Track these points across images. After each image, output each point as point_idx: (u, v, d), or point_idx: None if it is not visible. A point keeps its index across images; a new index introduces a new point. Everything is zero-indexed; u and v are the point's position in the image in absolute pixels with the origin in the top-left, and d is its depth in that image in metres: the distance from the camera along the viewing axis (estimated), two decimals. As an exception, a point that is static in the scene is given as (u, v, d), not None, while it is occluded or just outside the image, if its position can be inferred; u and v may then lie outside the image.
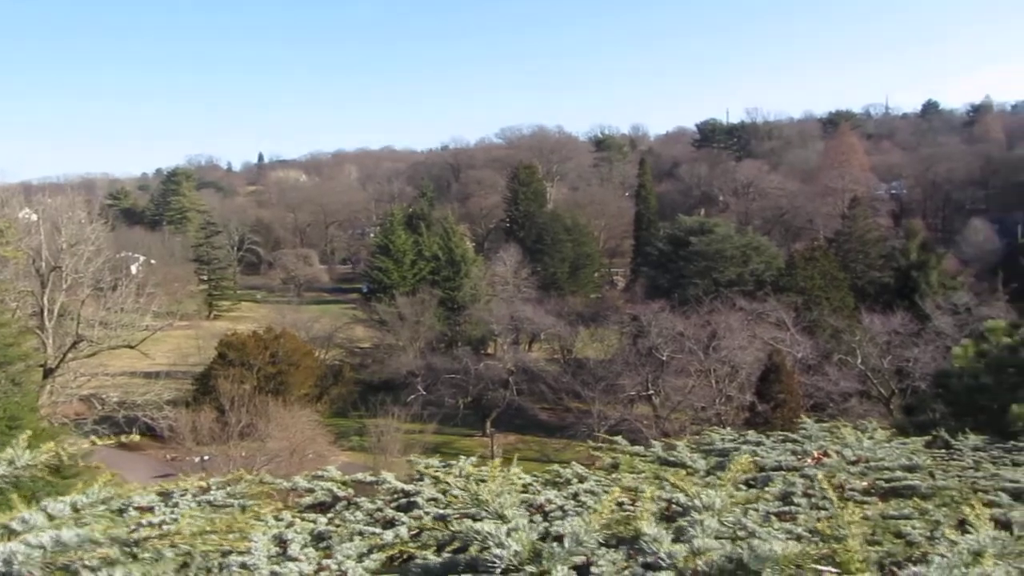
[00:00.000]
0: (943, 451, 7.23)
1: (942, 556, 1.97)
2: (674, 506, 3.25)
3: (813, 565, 2.17)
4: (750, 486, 4.73)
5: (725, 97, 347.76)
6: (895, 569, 2.45)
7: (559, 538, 2.17)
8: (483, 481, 3.67)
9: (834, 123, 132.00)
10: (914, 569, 1.91)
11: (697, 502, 2.50)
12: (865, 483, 4.21)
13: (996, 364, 16.59)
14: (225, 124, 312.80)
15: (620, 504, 4.37)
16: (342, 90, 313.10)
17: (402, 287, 68.64)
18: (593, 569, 2.74)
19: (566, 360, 59.52)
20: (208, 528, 3.15)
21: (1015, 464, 6.76)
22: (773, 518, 3.56)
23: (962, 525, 3.87)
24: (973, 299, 49.33)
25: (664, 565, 2.00)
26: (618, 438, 5.94)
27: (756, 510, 3.76)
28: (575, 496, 4.53)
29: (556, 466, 5.44)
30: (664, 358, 47.27)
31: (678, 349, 47.10)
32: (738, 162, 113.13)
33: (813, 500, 3.88)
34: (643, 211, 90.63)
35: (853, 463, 4.58)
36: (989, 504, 4.44)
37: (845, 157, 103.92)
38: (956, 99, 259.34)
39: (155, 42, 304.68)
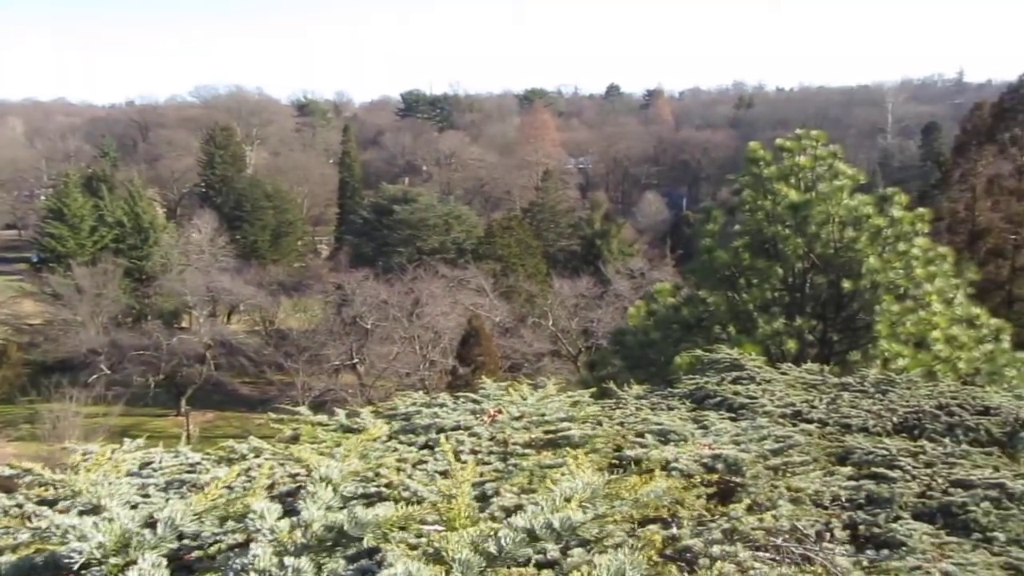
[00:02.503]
0: (613, 401, 7.91)
1: (535, 504, 2.08)
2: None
3: (418, 525, 2.22)
4: (429, 447, 4.80)
5: (428, 68, 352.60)
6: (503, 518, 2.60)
7: (154, 524, 1.99)
8: (84, 470, 3.34)
9: (529, 100, 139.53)
10: (509, 518, 2.00)
11: (315, 475, 2.44)
12: (528, 436, 4.44)
13: (662, 321, 18.53)
14: None
15: (294, 475, 4.23)
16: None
17: (80, 256, 62.28)
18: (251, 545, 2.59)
19: (268, 331, 57.62)
20: None
21: (669, 408, 7.58)
22: (439, 476, 3.64)
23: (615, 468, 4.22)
24: (646, 264, 55.17)
25: (268, 540, 1.92)
26: (301, 408, 5.78)
27: (426, 470, 3.81)
28: (247, 472, 4.31)
29: (231, 441, 5.17)
30: (369, 326, 47.48)
31: (383, 317, 47.51)
32: (441, 133, 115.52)
33: (479, 457, 4.01)
34: (347, 179, 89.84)
35: (517, 419, 4.82)
36: (641, 445, 4.90)
37: (539, 132, 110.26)
38: (634, 84, 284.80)
39: None
